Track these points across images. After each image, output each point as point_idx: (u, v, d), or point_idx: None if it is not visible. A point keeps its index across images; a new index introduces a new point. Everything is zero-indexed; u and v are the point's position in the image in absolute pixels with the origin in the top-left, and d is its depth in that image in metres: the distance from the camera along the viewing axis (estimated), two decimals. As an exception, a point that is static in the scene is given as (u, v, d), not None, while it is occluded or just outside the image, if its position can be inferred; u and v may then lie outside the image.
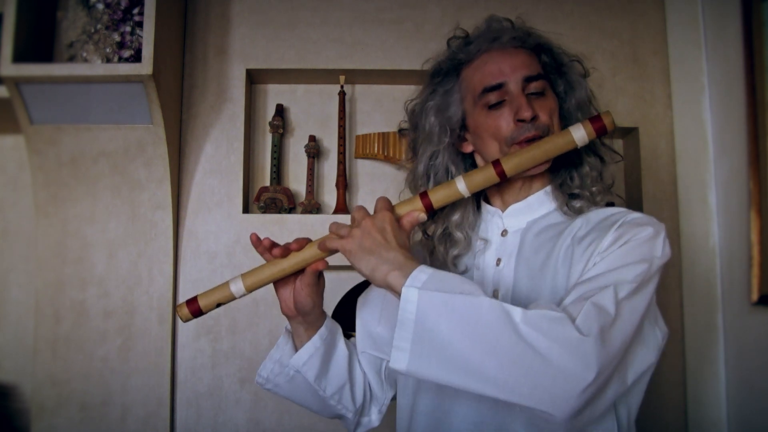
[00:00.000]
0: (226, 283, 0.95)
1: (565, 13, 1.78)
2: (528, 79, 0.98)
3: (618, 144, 1.83)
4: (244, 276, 0.95)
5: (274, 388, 1.06)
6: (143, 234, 1.64)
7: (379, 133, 1.76)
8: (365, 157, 1.77)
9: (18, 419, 1.67)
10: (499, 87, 0.98)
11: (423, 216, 0.92)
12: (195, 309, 0.94)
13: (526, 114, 0.95)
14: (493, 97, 0.98)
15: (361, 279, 1.73)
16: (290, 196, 1.72)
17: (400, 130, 1.17)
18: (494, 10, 1.76)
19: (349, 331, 1.18)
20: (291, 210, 1.71)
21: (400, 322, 0.79)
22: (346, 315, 1.20)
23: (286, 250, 0.95)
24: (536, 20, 1.74)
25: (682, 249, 1.69)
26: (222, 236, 1.69)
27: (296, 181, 1.79)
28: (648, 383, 0.94)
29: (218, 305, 0.95)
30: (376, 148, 1.75)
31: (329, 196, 1.78)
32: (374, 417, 1.13)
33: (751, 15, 1.44)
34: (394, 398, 1.14)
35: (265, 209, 1.70)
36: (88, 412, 1.59)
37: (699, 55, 1.70)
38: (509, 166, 0.93)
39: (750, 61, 1.44)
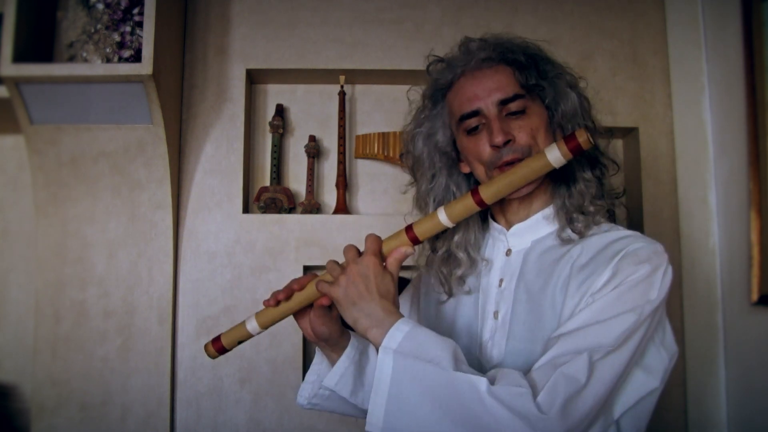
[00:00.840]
0: (243, 323, 1.03)
1: (565, 13, 1.78)
2: (503, 102, 0.96)
3: (618, 144, 1.83)
4: (257, 315, 1.02)
5: (315, 407, 1.11)
6: (143, 234, 1.64)
7: (379, 133, 1.76)
8: (365, 157, 1.77)
9: (18, 419, 1.67)
10: (475, 114, 0.97)
11: (410, 251, 0.95)
12: (219, 347, 1.04)
13: (498, 140, 0.94)
14: (471, 123, 0.98)
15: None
16: (290, 196, 1.72)
17: (401, 155, 1.18)
18: (494, 11, 1.78)
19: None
20: (291, 210, 1.71)
21: (377, 383, 0.83)
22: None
23: (290, 291, 1.00)
24: (536, 20, 1.76)
25: (682, 249, 1.69)
26: (222, 236, 1.69)
27: (296, 181, 1.79)
28: (655, 405, 0.94)
29: (239, 342, 1.04)
30: (376, 148, 1.75)
31: (329, 196, 1.78)
32: None
33: (751, 15, 1.44)
34: None
35: (265, 209, 1.70)
36: (88, 412, 1.59)
37: (699, 55, 1.70)
38: (487, 195, 0.93)
39: (750, 61, 1.44)
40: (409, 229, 0.96)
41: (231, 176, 1.71)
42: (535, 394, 0.80)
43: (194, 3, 1.77)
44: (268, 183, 1.76)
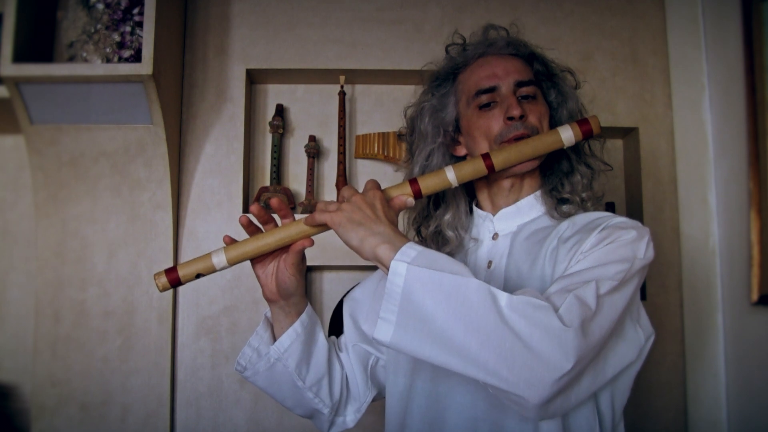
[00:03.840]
0: (209, 254, 0.94)
1: (565, 13, 1.78)
2: (519, 84, 1.03)
3: (618, 144, 1.83)
4: (227, 248, 0.94)
5: (253, 376, 1.05)
6: (143, 234, 1.64)
7: (379, 133, 1.75)
8: (365, 157, 1.77)
9: (18, 419, 1.67)
10: (492, 89, 1.03)
11: (411, 200, 0.95)
12: (174, 278, 0.92)
13: (515, 112, 1.00)
14: (485, 98, 1.03)
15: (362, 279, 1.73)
16: (290, 196, 1.72)
17: (400, 135, 1.20)
18: (494, 11, 1.78)
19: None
20: (291, 210, 1.71)
21: (387, 294, 0.80)
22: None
23: (269, 219, 0.97)
24: (536, 20, 1.77)
25: (682, 249, 1.69)
26: (222, 236, 1.68)
27: (296, 181, 1.79)
28: (633, 381, 0.95)
29: (198, 276, 0.93)
30: (376, 148, 1.74)
31: (329, 196, 1.78)
32: (350, 418, 1.12)
33: (751, 15, 1.44)
34: (374, 400, 1.14)
35: (266, 209, 1.70)
36: (88, 412, 1.59)
37: (699, 55, 1.70)
38: (498, 159, 0.97)
39: (750, 61, 1.44)
40: (413, 181, 0.96)
41: (231, 176, 1.71)
42: (555, 310, 0.80)
43: (194, 3, 1.77)
44: (268, 183, 1.76)
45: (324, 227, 0.93)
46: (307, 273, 1.74)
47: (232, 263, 0.93)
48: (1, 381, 1.71)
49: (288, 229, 0.95)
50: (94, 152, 1.60)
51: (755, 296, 1.42)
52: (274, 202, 0.96)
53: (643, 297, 1.68)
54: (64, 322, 1.60)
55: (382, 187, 0.95)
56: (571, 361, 0.77)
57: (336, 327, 1.71)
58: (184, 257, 1.68)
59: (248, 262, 0.99)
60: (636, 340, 0.92)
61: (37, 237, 1.62)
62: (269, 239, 0.94)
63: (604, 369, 0.88)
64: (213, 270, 0.93)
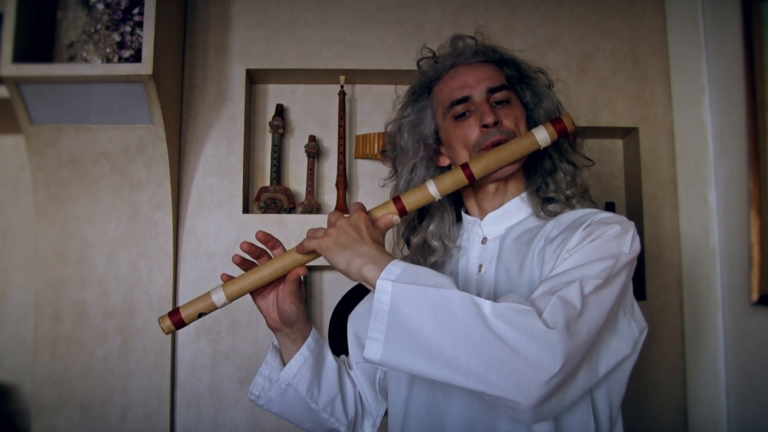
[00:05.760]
0: (208, 294, 0.97)
1: (565, 13, 1.78)
2: (491, 90, 1.04)
3: (618, 144, 1.83)
4: (224, 286, 0.98)
5: (267, 404, 1.08)
6: (143, 234, 1.64)
7: (379, 133, 1.75)
8: (365, 157, 1.77)
9: (18, 419, 1.67)
10: (465, 99, 1.04)
11: (397, 218, 0.97)
12: (177, 320, 0.96)
13: (489, 119, 1.01)
14: (459, 108, 1.04)
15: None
16: (290, 196, 1.72)
17: (383, 151, 1.22)
18: (494, 11, 1.78)
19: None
20: (291, 210, 1.71)
21: (375, 313, 0.81)
22: (345, 316, 1.21)
23: (261, 252, 1.00)
24: (536, 20, 1.77)
25: (682, 249, 1.69)
26: (222, 236, 1.69)
27: (296, 181, 1.79)
28: (631, 379, 0.96)
29: (200, 315, 0.97)
30: (376, 148, 1.74)
31: (329, 196, 1.78)
32: None
33: (751, 15, 1.44)
34: (387, 414, 1.15)
35: (265, 209, 1.70)
36: (88, 412, 1.59)
37: (699, 55, 1.70)
38: (477, 168, 0.98)
39: (750, 61, 1.44)
40: (397, 199, 0.98)
41: (231, 176, 1.71)
42: (539, 313, 0.81)
43: (194, 3, 1.77)
44: (268, 183, 1.76)
45: (315, 254, 0.95)
46: (307, 273, 1.74)
47: (231, 299, 0.97)
48: (1, 381, 1.71)
49: (281, 260, 0.97)
50: (94, 152, 1.60)
51: (755, 296, 1.42)
52: (259, 235, 0.99)
53: (643, 297, 1.68)
54: (64, 322, 1.60)
55: (368, 208, 0.97)
56: (559, 362, 0.77)
57: (335, 329, 1.71)
58: (184, 257, 1.68)
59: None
60: (630, 334, 0.93)
61: (37, 237, 1.62)
62: (264, 272, 0.97)
63: (597, 366, 0.88)
64: (214, 308, 0.97)
